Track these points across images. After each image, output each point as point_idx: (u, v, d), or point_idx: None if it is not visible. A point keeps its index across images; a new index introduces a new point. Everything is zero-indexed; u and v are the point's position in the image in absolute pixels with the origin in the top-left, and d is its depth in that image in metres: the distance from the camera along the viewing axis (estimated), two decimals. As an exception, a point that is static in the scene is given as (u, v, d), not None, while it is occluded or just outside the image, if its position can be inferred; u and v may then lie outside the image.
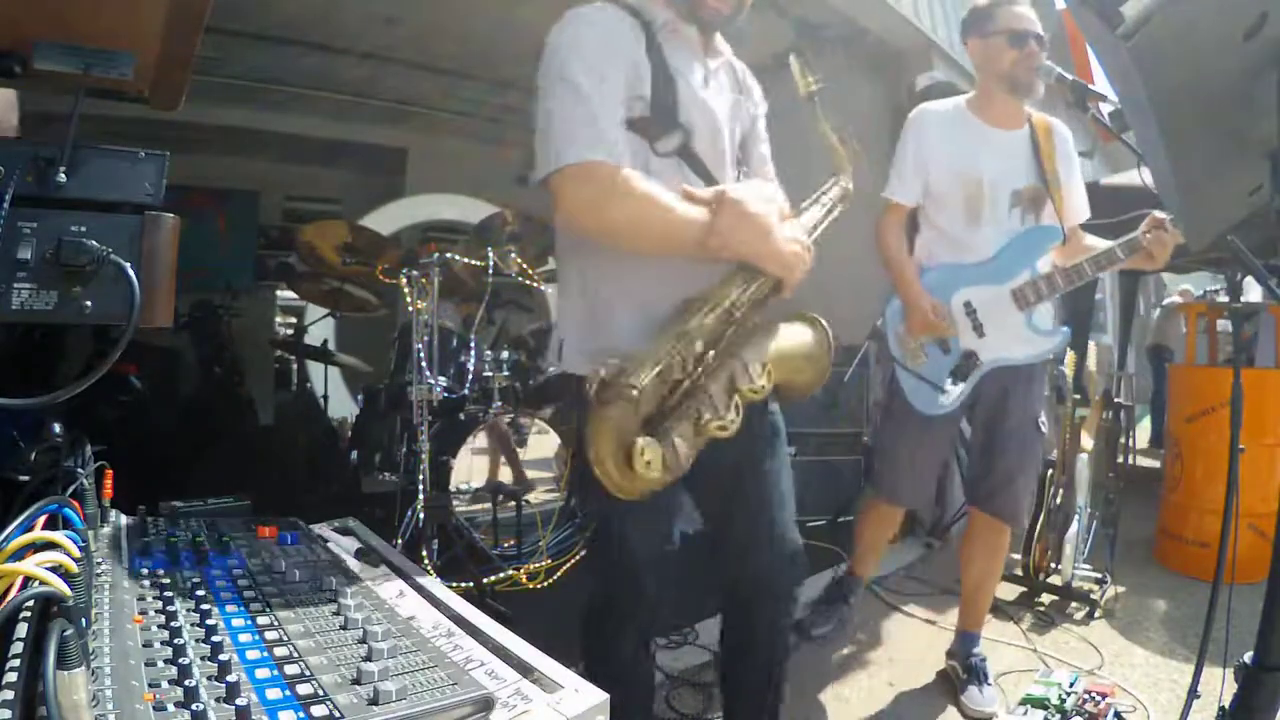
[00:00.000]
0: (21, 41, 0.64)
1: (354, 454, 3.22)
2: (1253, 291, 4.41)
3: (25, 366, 3.06)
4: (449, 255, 2.77)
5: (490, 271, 2.83)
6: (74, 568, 0.56)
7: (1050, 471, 2.87)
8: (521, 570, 2.69)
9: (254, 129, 4.65)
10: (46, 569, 0.53)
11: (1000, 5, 1.89)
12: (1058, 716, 1.84)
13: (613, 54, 1.13)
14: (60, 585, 0.52)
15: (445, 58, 4.27)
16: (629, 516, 1.18)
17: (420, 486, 2.41)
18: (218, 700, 0.51)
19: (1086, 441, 2.86)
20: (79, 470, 0.77)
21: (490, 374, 2.92)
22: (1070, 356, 2.94)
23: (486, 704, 0.57)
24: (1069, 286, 1.87)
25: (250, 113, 4.56)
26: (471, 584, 2.35)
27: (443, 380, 2.74)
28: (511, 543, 2.86)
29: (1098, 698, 1.89)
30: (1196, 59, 0.82)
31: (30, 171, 0.61)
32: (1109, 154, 6.25)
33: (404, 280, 2.70)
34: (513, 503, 2.85)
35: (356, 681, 0.55)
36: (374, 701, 0.53)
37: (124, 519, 0.89)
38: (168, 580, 0.72)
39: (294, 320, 5.23)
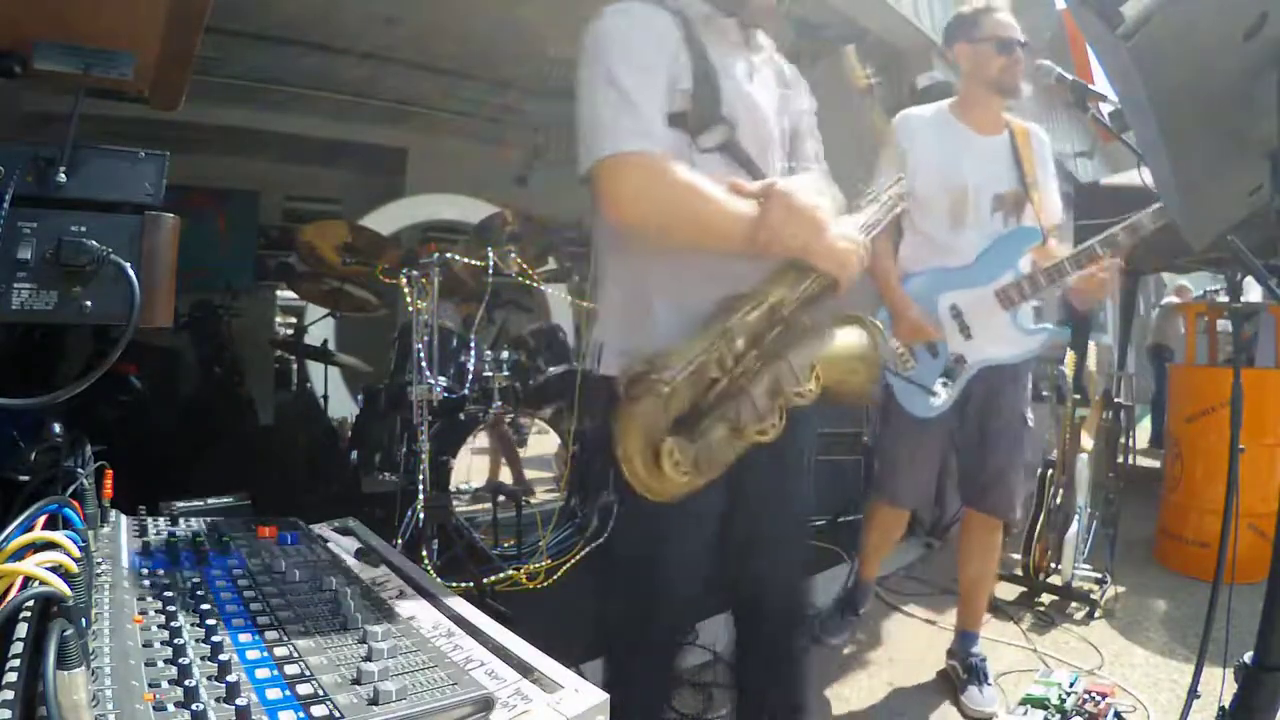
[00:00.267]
0: (21, 41, 0.64)
1: (354, 454, 3.22)
2: (1253, 291, 4.41)
3: (25, 366, 3.06)
4: (449, 255, 2.77)
5: (490, 271, 2.83)
6: (74, 568, 0.56)
7: (1050, 471, 2.87)
8: (521, 570, 2.69)
9: (254, 129, 4.65)
10: (46, 569, 0.53)
11: (986, 12, 1.95)
12: (1058, 716, 1.84)
13: (653, 47, 1.10)
14: (60, 585, 0.52)
15: (445, 58, 4.27)
16: (665, 521, 1.13)
17: (420, 486, 2.41)
18: (218, 700, 0.51)
19: (1086, 441, 2.86)
20: (79, 470, 0.77)
21: (490, 374, 2.92)
22: (1070, 356, 2.94)
23: (486, 704, 0.57)
24: (1050, 284, 1.90)
25: (250, 113, 4.57)
26: (471, 584, 2.35)
27: (443, 380, 2.74)
28: (511, 543, 2.86)
29: (1098, 698, 1.89)
30: (1196, 59, 0.82)
31: (30, 171, 0.61)
32: (1109, 154, 6.26)
33: (404, 280, 2.70)
34: (513, 503, 2.85)
35: (356, 681, 0.55)
36: (374, 701, 0.53)
37: (124, 519, 0.89)
38: (168, 580, 0.72)
39: (294, 320, 5.23)
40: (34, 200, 0.61)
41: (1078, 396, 2.93)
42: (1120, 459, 3.59)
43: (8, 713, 0.41)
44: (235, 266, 5.04)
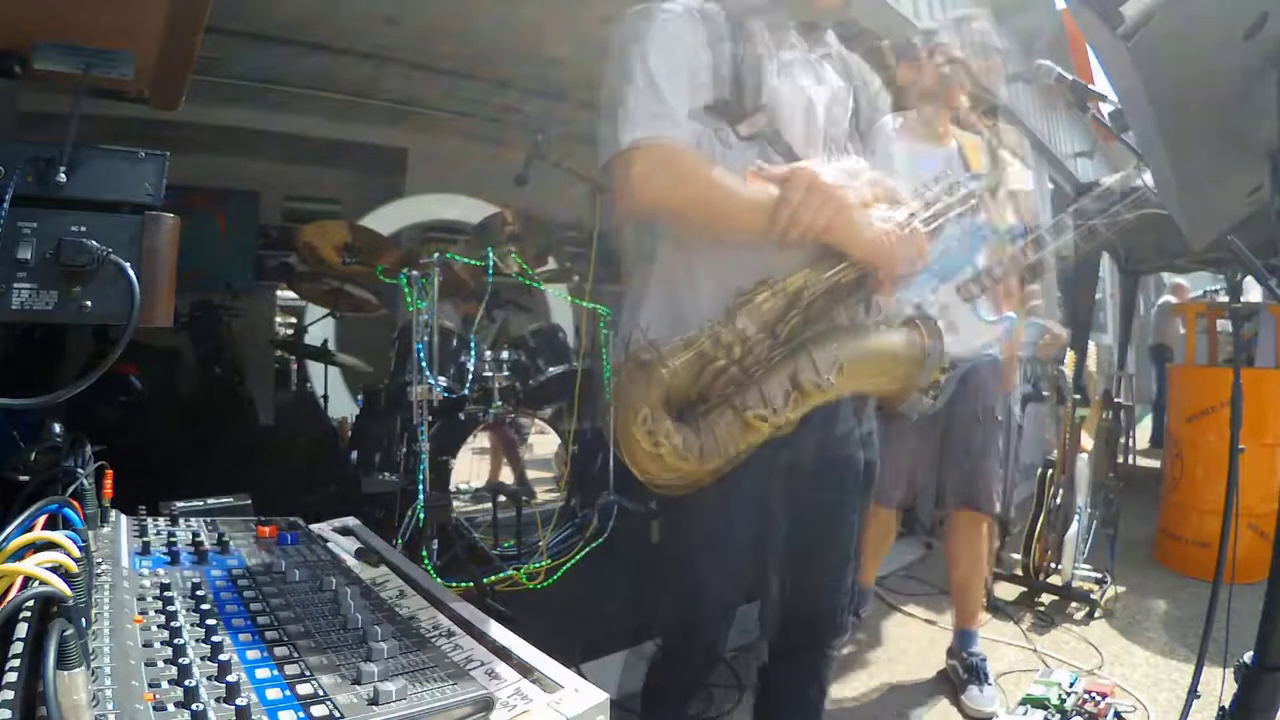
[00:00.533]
0: (22, 41, 0.64)
1: (354, 454, 3.22)
2: (1253, 291, 4.41)
3: (25, 366, 3.06)
4: (449, 255, 2.77)
5: (490, 271, 2.83)
6: (74, 568, 0.56)
7: (1050, 471, 2.87)
8: (521, 570, 2.69)
9: (254, 129, 4.64)
10: (46, 569, 0.52)
11: (926, 35, 2.12)
12: (1058, 716, 1.84)
13: (685, 36, 1.08)
14: (60, 585, 0.51)
15: (445, 58, 4.26)
16: (702, 520, 1.11)
17: (420, 486, 2.41)
18: (218, 700, 0.51)
19: (1086, 441, 2.86)
20: (79, 470, 0.77)
21: (490, 374, 2.93)
22: (1070, 356, 2.94)
23: (486, 704, 0.57)
24: (1007, 276, 1.96)
25: (250, 113, 4.56)
26: (471, 584, 2.35)
27: (443, 380, 2.74)
28: (511, 543, 2.87)
29: (1098, 698, 1.89)
30: (1196, 59, 0.81)
31: (30, 171, 0.61)
32: (1109, 154, 6.26)
33: (404, 280, 2.70)
34: (513, 503, 2.85)
35: (356, 681, 0.55)
36: (374, 701, 0.53)
37: (124, 519, 0.89)
38: (168, 580, 0.72)
39: (294, 320, 5.23)
40: (34, 200, 0.61)
41: (1078, 396, 2.93)
42: (1120, 459, 3.59)
43: (8, 713, 0.41)
44: (235, 266, 5.03)
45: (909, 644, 2.47)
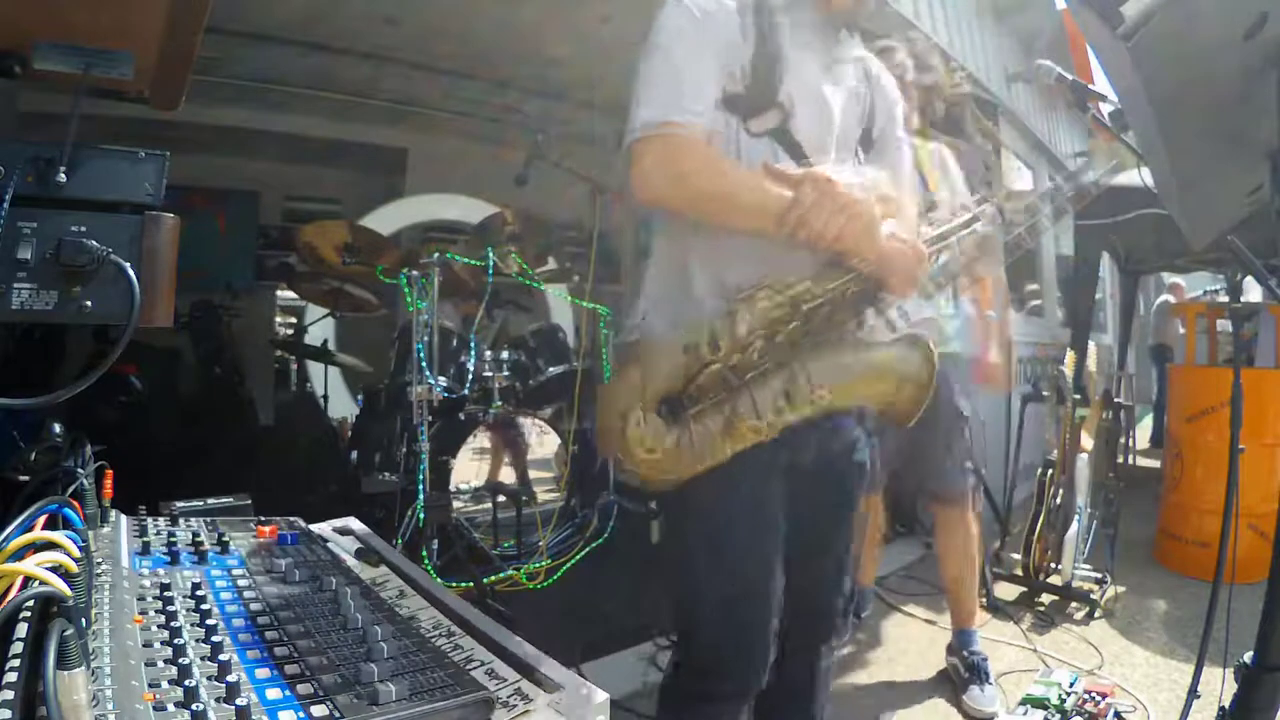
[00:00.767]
0: (22, 41, 0.64)
1: (354, 454, 3.23)
2: (1253, 291, 4.41)
3: (25, 366, 3.06)
4: (449, 255, 2.77)
5: (490, 271, 2.83)
6: (74, 568, 0.56)
7: (1050, 471, 2.87)
8: (521, 570, 2.69)
9: (254, 129, 4.65)
10: (46, 569, 0.52)
11: (884, 52, 2.23)
12: (1058, 716, 1.84)
13: (713, 25, 1.07)
14: (60, 585, 0.51)
15: (445, 58, 4.27)
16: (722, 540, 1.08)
17: (420, 486, 2.41)
18: (218, 700, 0.51)
19: (1086, 441, 2.86)
20: (79, 470, 0.77)
21: (490, 374, 2.93)
22: (1070, 356, 2.94)
23: (486, 704, 0.57)
24: (962, 272, 2.00)
25: (250, 113, 4.56)
26: (471, 584, 2.35)
27: (443, 380, 2.74)
28: (511, 543, 2.87)
29: (1098, 698, 1.89)
30: (1196, 59, 0.82)
31: (30, 171, 0.61)
32: (1109, 154, 6.25)
33: (404, 280, 2.70)
34: (513, 503, 2.85)
35: (356, 681, 0.55)
36: (374, 701, 0.53)
37: (124, 519, 0.89)
38: (168, 580, 0.72)
39: (294, 320, 5.23)
40: (34, 200, 0.61)
41: (1078, 396, 2.93)
42: (1120, 459, 3.59)
43: (8, 713, 0.41)
44: (235, 266, 5.03)
45: (909, 644, 2.47)
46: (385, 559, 0.90)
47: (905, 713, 2.05)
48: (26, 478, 0.77)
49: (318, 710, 0.52)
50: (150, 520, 0.92)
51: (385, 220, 5.09)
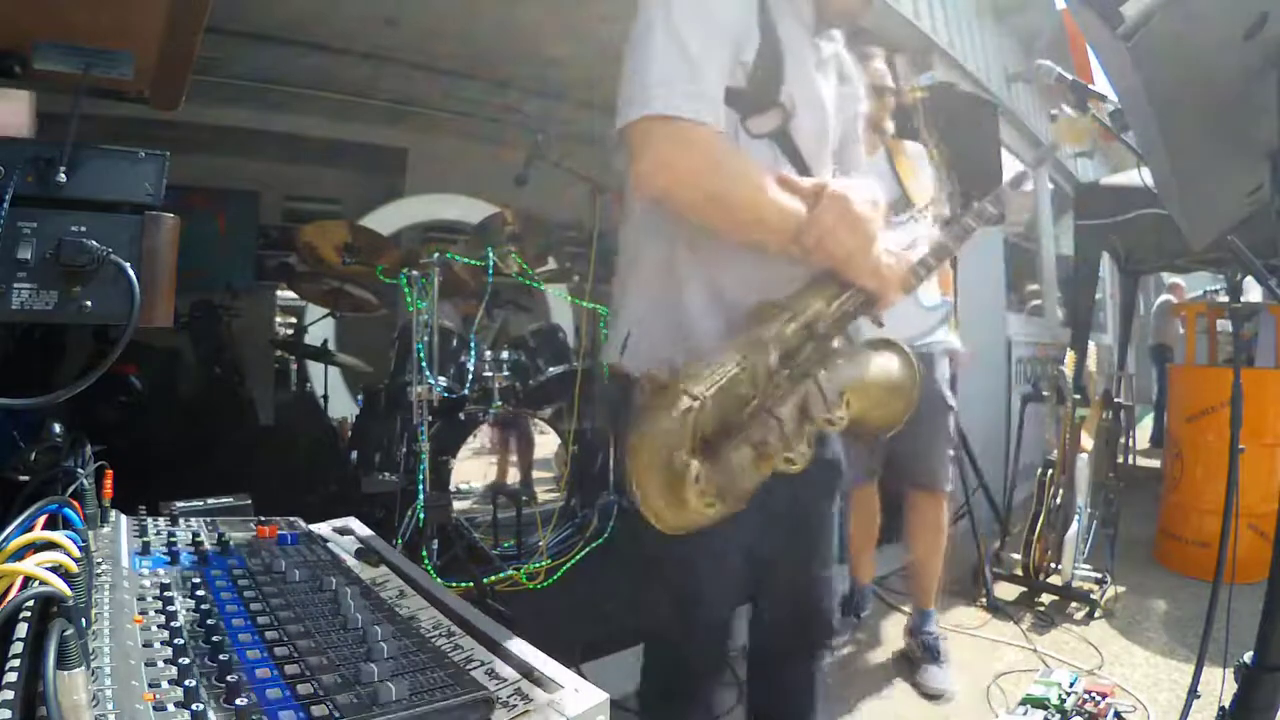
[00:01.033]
0: (22, 41, 0.64)
1: (354, 454, 3.23)
2: (1253, 291, 4.41)
3: (25, 366, 3.06)
4: (449, 255, 2.77)
5: (490, 271, 2.83)
6: (74, 568, 0.56)
7: (1050, 471, 2.87)
8: (521, 570, 2.69)
9: (254, 129, 4.65)
10: (46, 569, 0.52)
11: (860, 60, 2.24)
12: (1058, 716, 1.84)
13: (724, 10, 0.99)
14: (60, 585, 0.51)
15: (445, 58, 4.27)
16: (690, 563, 1.03)
17: (420, 486, 2.41)
18: (218, 700, 0.51)
19: (1086, 441, 2.86)
20: (79, 470, 0.77)
21: (490, 374, 2.93)
22: (1070, 356, 2.94)
23: (486, 704, 0.57)
24: (941, 262, 2.01)
25: (250, 113, 4.56)
26: (471, 584, 2.35)
27: (443, 380, 2.74)
28: (511, 543, 2.87)
29: (1098, 698, 1.89)
30: (1196, 59, 0.82)
31: (30, 171, 0.61)
32: (1109, 154, 6.25)
33: (404, 280, 2.70)
34: (513, 503, 2.85)
35: (356, 681, 0.55)
36: (374, 701, 0.53)
37: (124, 519, 0.89)
38: (168, 580, 0.72)
39: (294, 320, 5.23)
40: (34, 200, 0.61)
41: (1078, 396, 2.94)
42: (1120, 459, 3.59)
43: (8, 713, 0.41)
44: (235, 266, 5.03)
45: (909, 644, 2.47)
46: (385, 559, 0.90)
47: (905, 713, 2.05)
48: (26, 478, 0.77)
49: (318, 710, 0.52)
50: (150, 520, 0.92)
51: (385, 220, 5.10)
